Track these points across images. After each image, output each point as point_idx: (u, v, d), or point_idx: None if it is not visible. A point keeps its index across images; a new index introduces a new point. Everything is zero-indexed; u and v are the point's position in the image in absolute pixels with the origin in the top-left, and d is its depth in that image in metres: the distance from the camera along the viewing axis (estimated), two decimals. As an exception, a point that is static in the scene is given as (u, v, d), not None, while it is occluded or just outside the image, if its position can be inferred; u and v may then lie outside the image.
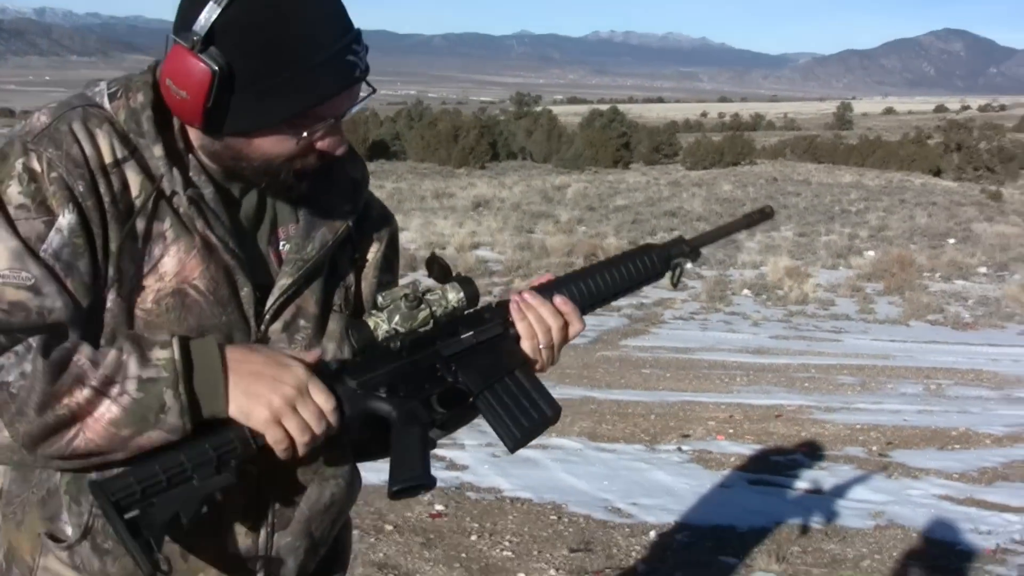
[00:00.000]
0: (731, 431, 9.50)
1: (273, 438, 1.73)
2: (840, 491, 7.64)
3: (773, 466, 8.34)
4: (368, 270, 2.10)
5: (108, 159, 1.79)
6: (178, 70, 1.71)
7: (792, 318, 18.19)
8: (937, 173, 52.47)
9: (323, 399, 1.77)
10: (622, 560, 6.03)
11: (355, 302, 2.06)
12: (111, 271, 1.79)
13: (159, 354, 1.68)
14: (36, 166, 1.74)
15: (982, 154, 51.35)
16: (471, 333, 1.95)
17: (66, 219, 1.73)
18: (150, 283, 1.82)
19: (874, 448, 9.00)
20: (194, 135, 1.86)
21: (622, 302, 18.51)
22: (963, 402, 11.31)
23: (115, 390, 1.65)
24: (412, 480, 1.82)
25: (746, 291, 20.25)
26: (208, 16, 1.68)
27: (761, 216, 2.20)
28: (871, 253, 24.02)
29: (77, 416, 1.64)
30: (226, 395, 1.71)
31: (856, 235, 27.68)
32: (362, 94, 1.85)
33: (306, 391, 1.75)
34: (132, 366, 1.66)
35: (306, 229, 1.96)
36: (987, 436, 9.51)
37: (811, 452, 8.78)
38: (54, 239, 1.73)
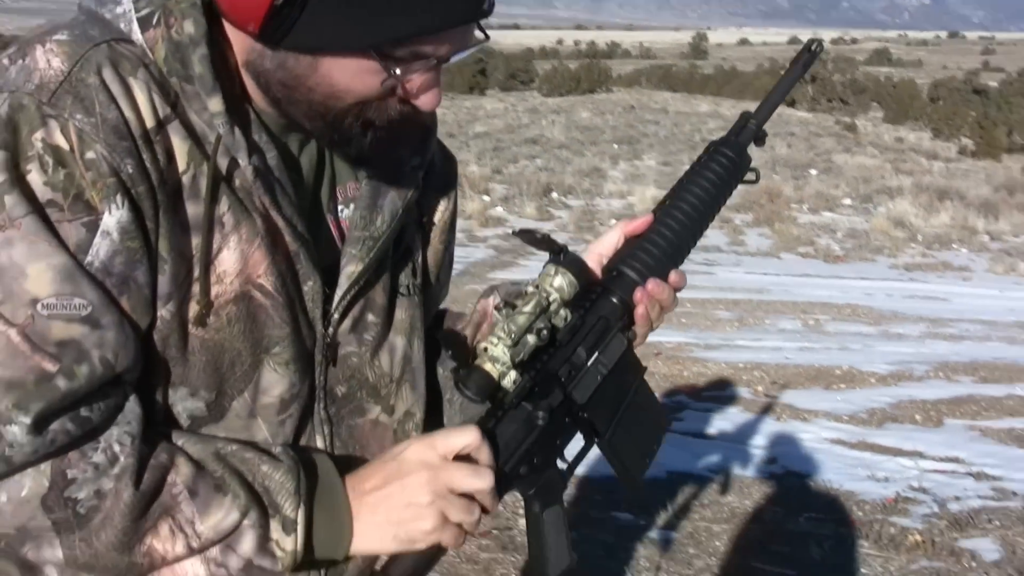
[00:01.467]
0: (611, 370, 9.14)
1: (446, 543, 1.39)
2: (729, 436, 7.38)
3: (659, 409, 7.98)
4: (435, 235, 1.67)
5: (150, 122, 1.26)
6: None
7: (662, 250, 17.97)
8: (791, 104, 53.04)
9: (464, 478, 1.38)
10: (511, 518, 5.62)
11: (422, 279, 1.65)
12: (165, 280, 1.29)
13: (284, 542, 1.30)
14: (62, 141, 1.21)
15: (836, 86, 51.88)
16: (596, 356, 1.53)
17: (114, 216, 1.23)
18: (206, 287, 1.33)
19: (760, 388, 8.74)
20: (239, 48, 1.34)
21: (488, 231, 18.15)
22: (843, 338, 11.15)
23: (214, 557, 1.29)
24: (565, 568, 1.54)
25: (613, 221, 19.98)
26: None
27: (811, 56, 1.74)
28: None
29: (155, 564, 1.28)
30: (349, 544, 1.36)
31: (719, 165, 27.62)
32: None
33: (444, 459, 1.37)
34: (246, 544, 1.30)
35: (371, 196, 1.49)
36: (871, 375, 9.32)
37: (696, 394, 8.50)
38: (101, 247, 1.23)
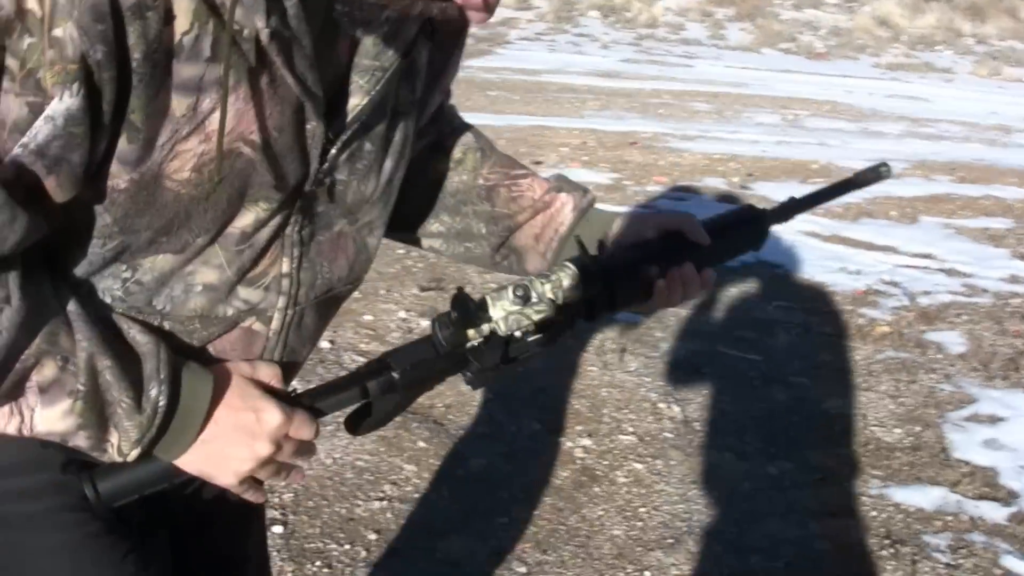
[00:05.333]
0: (585, 158, 9.07)
1: (240, 491, 1.42)
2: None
3: (631, 197, 7.92)
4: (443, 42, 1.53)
5: None
6: None
7: (642, 41, 17.77)
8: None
9: (306, 433, 1.41)
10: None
11: (423, 90, 1.52)
12: (130, 144, 1.16)
13: (113, 453, 1.31)
14: (36, 7, 1.05)
15: None
16: (539, 337, 1.51)
17: (64, 104, 1.09)
18: (190, 146, 1.21)
19: (735, 179, 8.65)
20: None
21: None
22: (821, 134, 11.03)
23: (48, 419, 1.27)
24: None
25: (593, 12, 19.66)
26: None
27: (875, 176, 1.83)
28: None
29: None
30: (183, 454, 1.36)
31: (704, -41, 27.09)
32: None
33: (285, 439, 1.39)
34: (79, 443, 1.29)
35: (390, 24, 1.34)
36: (848, 170, 9.08)
37: (670, 182, 8.39)
38: (41, 130, 1.10)
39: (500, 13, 18.38)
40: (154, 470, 1.35)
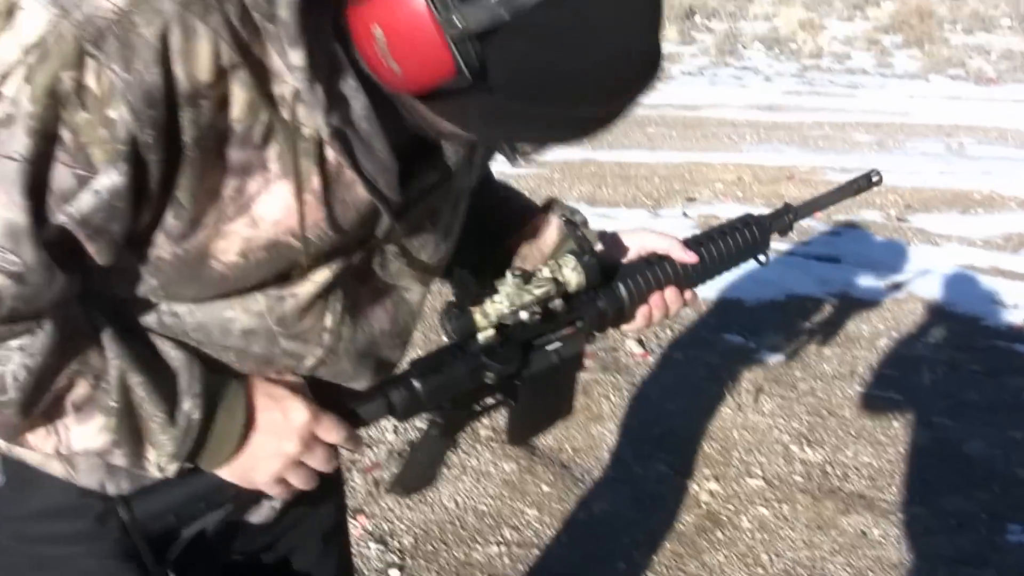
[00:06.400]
0: (739, 193, 8.97)
1: (275, 494, 1.47)
2: (855, 260, 7.12)
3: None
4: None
5: (205, 77, 1.12)
6: (406, 36, 1.10)
7: (806, 72, 17.50)
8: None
9: (334, 436, 1.45)
10: (617, 340, 5.54)
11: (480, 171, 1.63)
12: (175, 220, 1.22)
13: (152, 470, 1.38)
14: (94, 86, 1.09)
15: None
16: (558, 347, 1.63)
17: (109, 180, 1.13)
18: (237, 229, 1.25)
19: (892, 212, 8.46)
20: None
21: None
22: (986, 162, 10.70)
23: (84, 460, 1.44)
24: (421, 489, 1.76)
25: (757, 44, 19.50)
26: (494, 12, 1.07)
27: (867, 184, 1.95)
28: (889, 3, 23.03)
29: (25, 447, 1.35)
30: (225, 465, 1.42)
31: (874, -16, 26.61)
32: None
33: (313, 439, 1.43)
34: (117, 460, 1.36)
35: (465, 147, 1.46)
36: (1012, 199, 8.96)
37: (825, 216, 8.24)
38: (84, 200, 1.14)
39: (663, 48, 18.39)
40: (189, 489, 1.40)
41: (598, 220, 7.70)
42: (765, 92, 15.60)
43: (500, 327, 1.52)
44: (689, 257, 1.72)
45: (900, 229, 7.95)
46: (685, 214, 8.21)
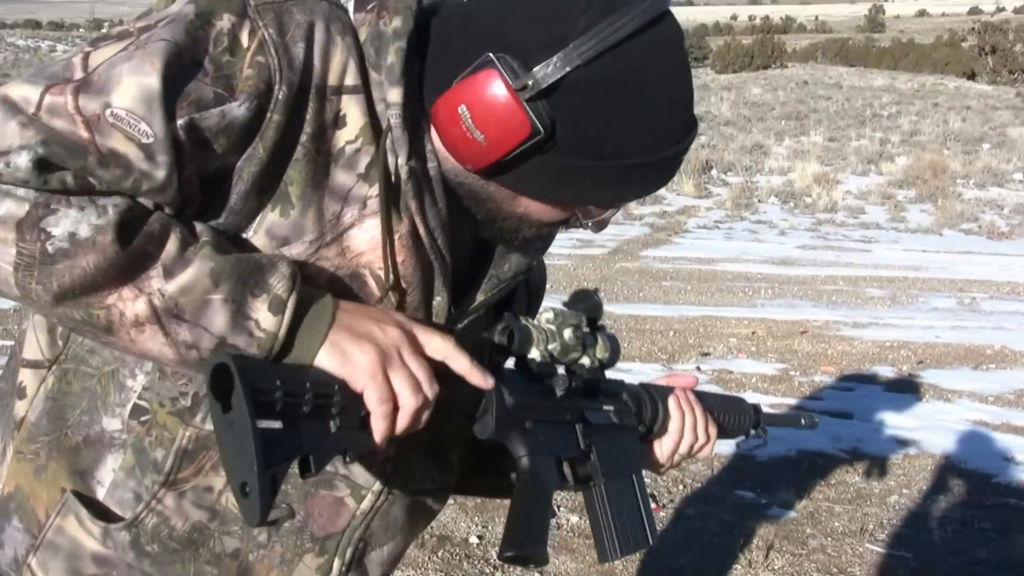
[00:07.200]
0: (753, 348, 9.06)
1: (377, 395, 1.26)
2: (867, 415, 7.19)
3: (796, 387, 7.89)
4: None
5: (333, 81, 1.32)
6: (488, 107, 1.29)
7: (820, 226, 17.71)
8: (971, 76, 51.39)
9: (437, 343, 1.34)
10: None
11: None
12: (280, 217, 1.33)
13: (265, 322, 1.22)
14: (244, 38, 1.27)
15: (1017, 57, 50.12)
16: (613, 408, 1.63)
17: (240, 110, 1.26)
18: (330, 254, 1.36)
19: (904, 368, 8.54)
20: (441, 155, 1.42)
21: (644, 209, 18.06)
22: (999, 317, 10.82)
23: (183, 340, 1.23)
24: (531, 551, 1.49)
25: (773, 198, 19.75)
26: (561, 66, 1.28)
27: (810, 426, 2.06)
28: (903, 159, 23.34)
29: (113, 323, 1.22)
30: (324, 338, 1.26)
31: (888, 140, 26.94)
32: None
33: (414, 340, 1.32)
34: (219, 318, 1.22)
35: (502, 250, 1.55)
36: (1023, 354, 9.03)
37: (837, 372, 8.33)
38: (211, 117, 1.25)
39: (679, 201, 18.56)
40: (295, 369, 1.23)
41: (612, 375, 7.79)
42: (780, 246, 15.80)
43: (552, 356, 1.51)
44: (690, 382, 1.78)
45: (912, 385, 8.01)
46: (699, 368, 8.30)
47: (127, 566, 1.44)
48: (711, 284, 12.43)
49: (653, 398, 1.70)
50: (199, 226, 1.27)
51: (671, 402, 1.71)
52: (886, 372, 8.42)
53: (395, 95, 1.32)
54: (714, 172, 21.67)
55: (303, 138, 1.30)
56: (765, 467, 6.12)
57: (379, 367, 1.26)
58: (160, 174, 1.22)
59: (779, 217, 18.41)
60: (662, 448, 1.72)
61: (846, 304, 11.36)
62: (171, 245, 1.21)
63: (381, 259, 1.36)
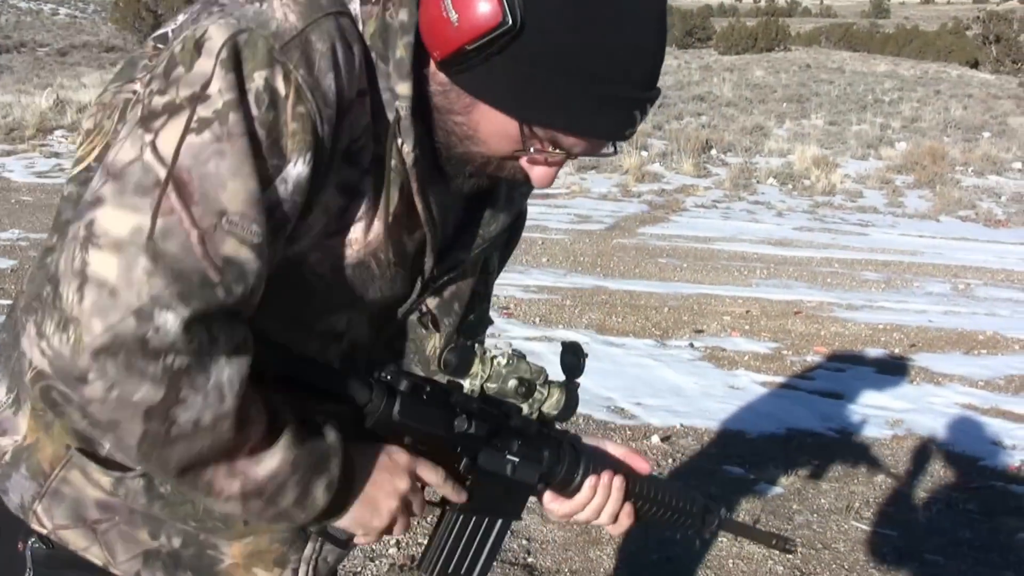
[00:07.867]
0: (747, 327, 9.09)
1: (374, 540, 1.55)
2: (857, 396, 7.24)
3: (789, 367, 7.93)
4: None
5: (353, 93, 1.36)
6: None
7: (818, 209, 17.71)
8: (974, 65, 51.33)
9: (434, 475, 1.54)
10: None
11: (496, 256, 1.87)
12: (307, 228, 1.42)
13: (319, 500, 1.40)
14: (281, 88, 1.28)
15: (1021, 47, 50.09)
16: (515, 462, 1.65)
17: (297, 170, 1.30)
18: (334, 244, 1.44)
19: (896, 351, 8.58)
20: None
21: (643, 187, 18.07)
22: (992, 304, 10.87)
23: (252, 505, 1.36)
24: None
25: (772, 180, 19.71)
26: None
27: (784, 547, 2.03)
28: (903, 144, 23.31)
29: (209, 495, 1.34)
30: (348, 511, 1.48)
31: (888, 126, 26.88)
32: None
33: (417, 477, 1.52)
34: (288, 497, 1.37)
35: (491, 212, 1.65)
36: (1016, 341, 9.08)
37: (830, 353, 8.37)
38: (275, 191, 1.29)
39: (678, 180, 18.50)
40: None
41: (607, 348, 7.85)
42: (777, 227, 15.82)
43: (483, 393, 1.57)
44: (641, 467, 1.79)
45: (904, 367, 8.06)
46: (692, 345, 8.33)
47: (129, 511, 1.51)
48: (707, 263, 12.46)
49: (574, 466, 1.70)
50: (278, 406, 1.35)
51: (589, 480, 1.72)
52: (878, 354, 8.46)
53: (404, 88, 1.38)
54: (714, 152, 21.63)
55: (338, 151, 1.37)
56: (754, 444, 6.17)
57: (394, 518, 1.50)
58: (263, 268, 1.28)
59: (777, 199, 18.40)
60: (559, 506, 1.74)
61: (841, 286, 11.39)
62: (260, 426, 1.32)
63: (383, 245, 1.45)
